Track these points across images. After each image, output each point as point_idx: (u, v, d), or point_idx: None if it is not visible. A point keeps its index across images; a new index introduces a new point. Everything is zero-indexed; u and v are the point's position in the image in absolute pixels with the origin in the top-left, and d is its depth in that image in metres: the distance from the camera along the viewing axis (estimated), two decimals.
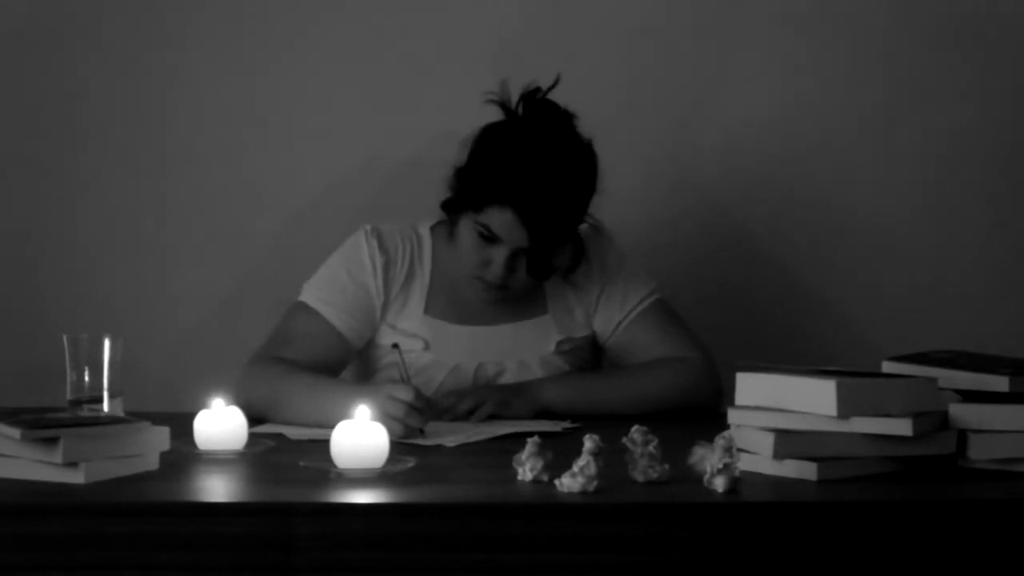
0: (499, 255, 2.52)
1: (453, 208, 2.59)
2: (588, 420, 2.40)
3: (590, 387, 2.59)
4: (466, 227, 2.54)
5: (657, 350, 2.64)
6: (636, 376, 2.61)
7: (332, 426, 1.96)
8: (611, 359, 2.71)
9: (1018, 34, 3.10)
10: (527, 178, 2.48)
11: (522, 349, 2.63)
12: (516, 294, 2.59)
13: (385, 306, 2.62)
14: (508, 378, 2.61)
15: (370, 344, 2.65)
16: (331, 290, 2.60)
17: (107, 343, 2.28)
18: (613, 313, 2.66)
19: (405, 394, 2.26)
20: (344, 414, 1.97)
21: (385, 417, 2.18)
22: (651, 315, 2.66)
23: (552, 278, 2.64)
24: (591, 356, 2.70)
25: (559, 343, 2.65)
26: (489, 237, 2.51)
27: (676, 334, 2.66)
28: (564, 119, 2.54)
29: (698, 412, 2.55)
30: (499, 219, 2.49)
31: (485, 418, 2.45)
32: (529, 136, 2.52)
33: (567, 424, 2.41)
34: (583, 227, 2.65)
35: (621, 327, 2.66)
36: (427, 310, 2.63)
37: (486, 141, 2.55)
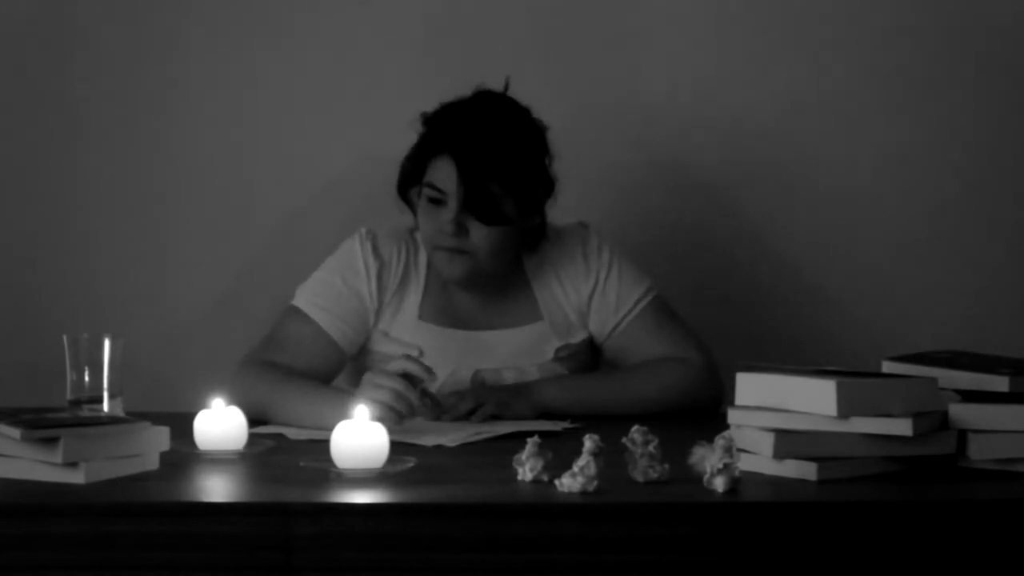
0: (448, 213, 2.53)
1: (405, 182, 2.62)
2: (588, 420, 2.40)
3: (591, 387, 2.59)
4: (419, 203, 2.58)
5: (657, 350, 2.63)
6: (637, 376, 2.61)
7: (328, 429, 1.96)
8: (609, 360, 2.70)
9: (1018, 34, 3.10)
10: (461, 122, 2.53)
11: (519, 356, 2.62)
12: (484, 265, 2.55)
13: (379, 312, 2.62)
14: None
15: (364, 351, 2.64)
16: (324, 295, 2.60)
17: (107, 343, 2.28)
18: (609, 314, 2.65)
19: (388, 380, 2.28)
20: (339, 419, 1.97)
21: (371, 402, 2.22)
22: (649, 315, 2.65)
23: (542, 284, 2.64)
24: (589, 359, 2.69)
25: (557, 350, 2.64)
26: (437, 198, 2.53)
27: (676, 334, 2.65)
28: (511, 99, 2.59)
29: (699, 412, 2.55)
30: (441, 171, 2.53)
31: (486, 419, 2.45)
32: (469, 98, 2.58)
33: (567, 424, 2.41)
34: (572, 225, 2.67)
35: (619, 329, 2.65)
36: (421, 315, 2.62)
37: (428, 113, 2.61)
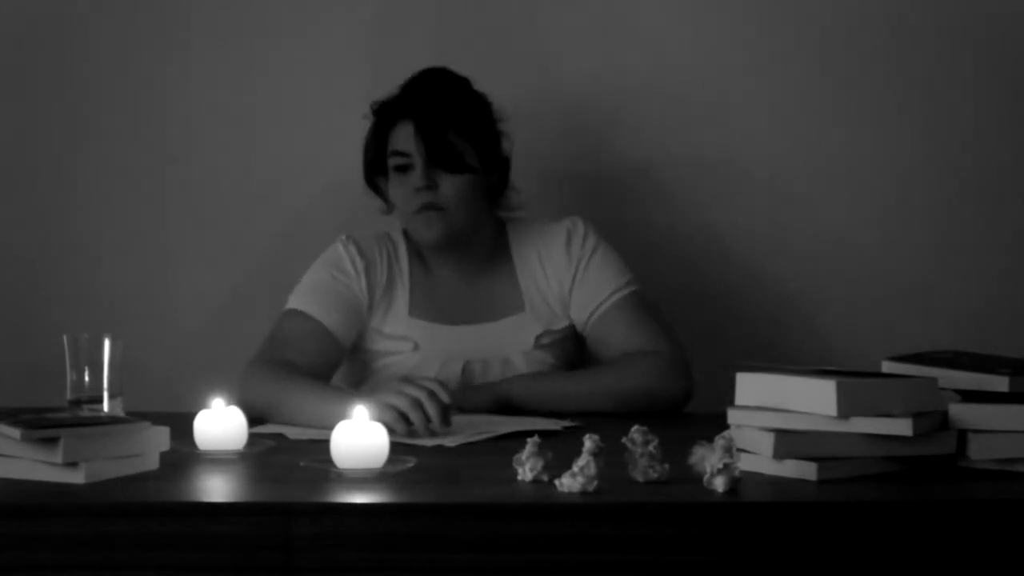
0: (416, 174, 2.60)
1: (371, 166, 2.68)
2: (587, 418, 2.41)
3: (557, 381, 2.62)
4: (390, 181, 2.65)
5: (631, 342, 2.64)
6: (604, 372, 2.63)
7: (332, 427, 1.97)
8: (591, 352, 2.72)
9: (1018, 34, 3.10)
10: (410, 90, 2.64)
11: (505, 346, 2.66)
12: (457, 220, 2.61)
13: (371, 309, 2.65)
14: (494, 375, 2.64)
15: (360, 350, 2.67)
16: (316, 292, 2.64)
17: (107, 343, 2.28)
18: (588, 301, 2.68)
19: (416, 391, 2.27)
20: (344, 416, 1.97)
21: (388, 410, 2.22)
22: (627, 306, 2.67)
23: (527, 273, 2.69)
24: (575, 348, 2.72)
25: (538, 337, 2.67)
26: (403, 164, 2.61)
27: (650, 327, 2.66)
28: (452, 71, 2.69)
29: (668, 406, 2.56)
30: (400, 136, 2.62)
31: (448, 417, 2.41)
32: (414, 74, 2.68)
33: (567, 423, 2.41)
34: (564, 219, 2.70)
35: (595, 316, 2.67)
36: (411, 312, 2.66)
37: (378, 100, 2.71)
